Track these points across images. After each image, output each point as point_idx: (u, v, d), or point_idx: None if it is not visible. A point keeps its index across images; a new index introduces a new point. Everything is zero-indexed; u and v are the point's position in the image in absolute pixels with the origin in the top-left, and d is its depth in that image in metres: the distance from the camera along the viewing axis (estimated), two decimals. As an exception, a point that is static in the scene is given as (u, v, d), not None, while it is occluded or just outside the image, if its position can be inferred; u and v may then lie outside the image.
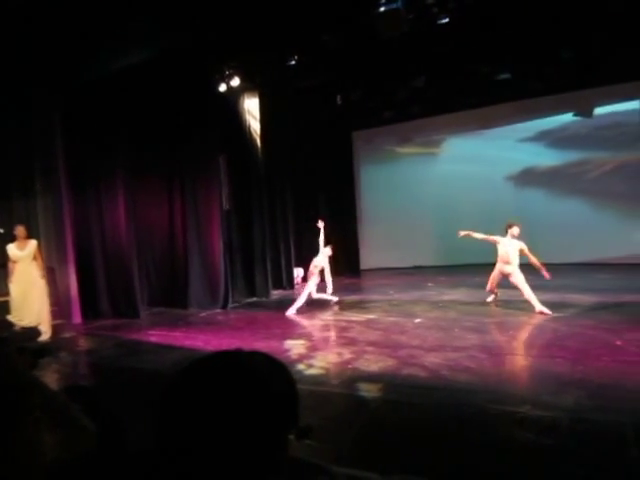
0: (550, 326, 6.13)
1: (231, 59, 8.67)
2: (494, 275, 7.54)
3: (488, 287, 7.73)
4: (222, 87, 9.11)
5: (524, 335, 5.92)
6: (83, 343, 6.89)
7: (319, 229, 8.51)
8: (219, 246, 9.05)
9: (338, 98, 10.81)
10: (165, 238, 9.42)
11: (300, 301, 7.93)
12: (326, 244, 8.35)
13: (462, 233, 7.52)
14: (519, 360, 4.94)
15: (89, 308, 8.35)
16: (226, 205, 9.75)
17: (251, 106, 9.97)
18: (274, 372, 0.87)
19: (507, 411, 3.63)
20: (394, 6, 6.36)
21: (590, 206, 11.58)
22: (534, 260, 6.97)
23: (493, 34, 8.01)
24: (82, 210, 8.38)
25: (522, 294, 6.91)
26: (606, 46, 8.63)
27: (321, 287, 8.45)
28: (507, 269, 7.14)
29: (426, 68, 9.60)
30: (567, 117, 11.78)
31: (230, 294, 9.18)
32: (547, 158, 12.27)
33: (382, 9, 6.46)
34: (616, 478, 2.74)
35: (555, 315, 6.60)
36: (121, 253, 8.38)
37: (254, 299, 9.79)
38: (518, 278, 6.97)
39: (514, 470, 2.86)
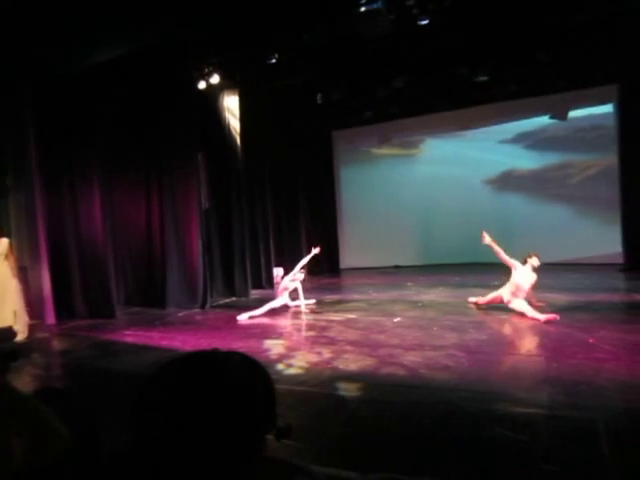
0: (526, 325, 6.24)
1: (210, 56, 8.59)
2: (494, 298, 7.03)
3: (483, 300, 7.26)
4: (202, 84, 9.02)
5: (501, 334, 6.00)
6: (57, 344, 6.74)
7: (310, 252, 8.55)
8: (198, 245, 8.96)
9: (318, 97, 10.80)
10: (142, 236, 9.29)
11: (258, 311, 7.67)
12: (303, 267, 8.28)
13: (487, 240, 6.67)
14: (496, 358, 5.01)
15: (63, 308, 8.17)
16: (205, 204, 9.66)
17: (231, 104, 9.89)
18: (251, 372, 0.87)
19: (484, 409, 3.68)
20: (375, 6, 6.38)
21: (564, 208, 11.83)
22: (534, 299, 6.76)
23: (472, 36, 8.10)
24: (56, 208, 8.19)
25: (526, 315, 6.51)
26: (580, 50, 8.82)
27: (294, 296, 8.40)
28: (509, 298, 6.74)
29: (406, 69, 9.66)
30: (544, 119, 12.00)
31: (209, 294, 9.09)
32: (525, 160, 12.48)
33: (363, 9, 6.47)
34: (589, 474, 2.80)
35: (533, 314, 6.72)
36: (96, 252, 8.22)
37: (233, 299, 9.72)
38: (518, 305, 6.63)
39: (491, 467, 2.90)
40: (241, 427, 0.79)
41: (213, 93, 9.48)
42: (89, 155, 8.19)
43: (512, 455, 3.02)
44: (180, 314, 8.36)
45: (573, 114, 11.58)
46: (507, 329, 6.20)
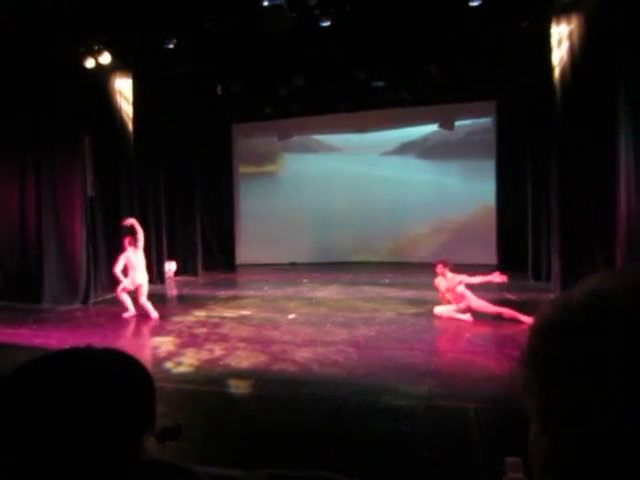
0: (411, 321, 6.63)
1: (100, 33, 7.94)
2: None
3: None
4: (90, 63, 8.32)
5: (388, 330, 6.30)
6: None
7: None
8: (81, 235, 8.29)
9: (218, 88, 10.52)
10: (15, 224, 8.38)
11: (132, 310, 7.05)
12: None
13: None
14: (382, 353, 5.26)
15: None
16: (91, 191, 8.94)
17: (123, 87, 9.26)
18: (128, 371, 0.82)
19: (370, 402, 3.84)
20: (277, 2, 6.36)
21: (450, 212, 12.71)
22: (479, 280, 6.69)
23: (370, 42, 8.41)
24: None
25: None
26: (464, 67, 9.59)
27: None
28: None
29: (307, 67, 9.77)
30: (432, 127, 12.89)
31: (92, 288, 8.46)
32: (413, 165, 13.21)
33: (265, 3, 6.42)
34: (460, 459, 3.05)
35: (417, 311, 7.16)
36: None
37: (120, 294, 9.12)
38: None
39: (376, 458, 3.03)
40: (115, 430, 0.75)
41: (103, 73, 8.80)
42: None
43: (394, 445, 3.20)
44: (58, 310, 7.69)
45: (457, 124, 12.60)
46: (393, 325, 6.52)
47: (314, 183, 13.59)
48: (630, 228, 6.18)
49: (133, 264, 7.03)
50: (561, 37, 7.65)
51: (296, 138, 13.90)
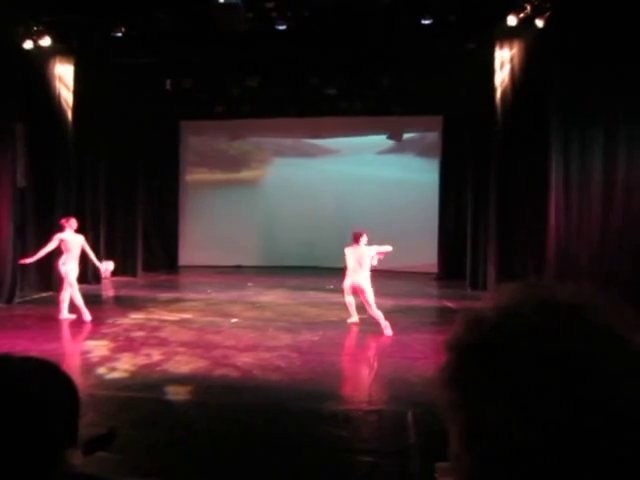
0: (354, 327, 6.67)
1: (40, 12, 7.47)
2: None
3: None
4: (28, 44, 7.82)
5: (332, 335, 6.29)
6: None
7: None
8: (8, 229, 7.75)
9: (167, 83, 10.21)
10: None
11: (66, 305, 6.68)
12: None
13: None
14: (325, 358, 5.25)
15: None
16: (21, 182, 8.38)
17: (64, 73, 8.78)
18: (49, 380, 0.78)
19: (311, 408, 3.82)
20: (233, 1, 6.26)
21: (395, 221, 12.95)
22: None
23: (325, 50, 8.47)
24: None
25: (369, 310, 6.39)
26: (415, 82, 9.89)
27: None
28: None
29: (261, 70, 9.69)
30: (381, 137, 13.15)
31: (18, 286, 7.92)
32: (366, 169, 13.37)
33: (221, 1, 6.30)
34: (397, 462, 3.08)
35: (360, 317, 7.22)
36: None
37: (50, 293, 8.58)
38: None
39: (314, 464, 3.01)
40: (29, 445, 0.71)
41: (42, 57, 8.30)
42: None
43: (334, 451, 3.18)
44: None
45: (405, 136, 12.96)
46: (337, 331, 6.53)
47: (261, 188, 13.50)
48: (559, 242, 6.60)
49: (70, 247, 6.60)
50: (503, 60, 8.10)
51: (244, 141, 13.77)
